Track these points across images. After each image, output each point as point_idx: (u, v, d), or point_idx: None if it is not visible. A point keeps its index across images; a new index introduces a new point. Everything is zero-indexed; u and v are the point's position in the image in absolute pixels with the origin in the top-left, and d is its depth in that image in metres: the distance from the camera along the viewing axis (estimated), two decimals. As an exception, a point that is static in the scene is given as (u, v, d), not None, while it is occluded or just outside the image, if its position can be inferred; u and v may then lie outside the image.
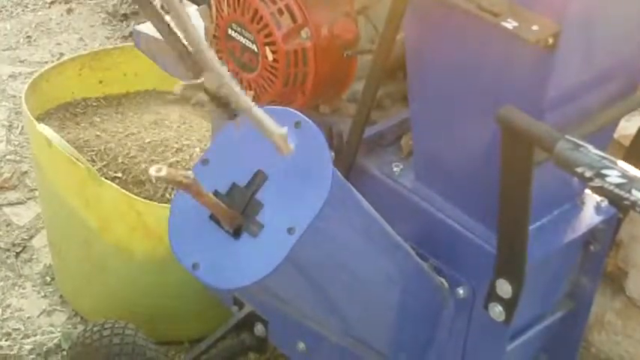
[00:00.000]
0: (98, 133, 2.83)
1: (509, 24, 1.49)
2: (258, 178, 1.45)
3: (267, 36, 1.83)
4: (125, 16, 4.49)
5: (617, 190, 1.32)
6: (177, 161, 2.73)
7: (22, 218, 3.25)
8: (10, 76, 4.04)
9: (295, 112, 1.47)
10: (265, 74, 1.87)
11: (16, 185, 3.39)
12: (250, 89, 1.91)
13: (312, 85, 1.87)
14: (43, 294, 2.95)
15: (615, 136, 1.92)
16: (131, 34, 4.22)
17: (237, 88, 1.27)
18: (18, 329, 2.83)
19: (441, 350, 1.92)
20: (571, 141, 1.37)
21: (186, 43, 2.05)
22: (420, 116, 1.81)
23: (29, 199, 3.34)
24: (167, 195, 2.64)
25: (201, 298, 2.48)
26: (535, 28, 1.48)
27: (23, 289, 2.97)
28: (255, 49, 1.86)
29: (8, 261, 3.07)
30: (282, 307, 1.73)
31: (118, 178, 2.67)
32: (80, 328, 2.78)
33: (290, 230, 1.40)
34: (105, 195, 2.49)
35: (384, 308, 1.81)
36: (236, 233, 1.45)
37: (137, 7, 3.69)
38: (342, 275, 1.63)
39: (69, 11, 4.54)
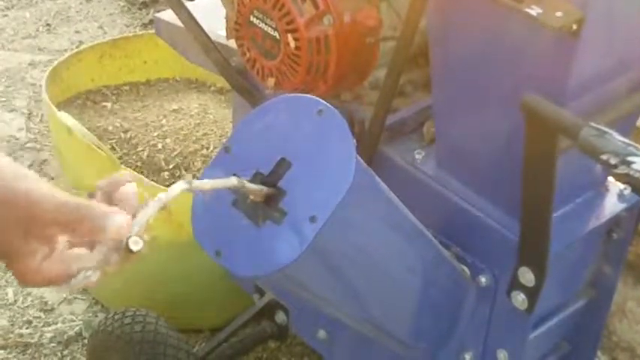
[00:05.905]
0: (118, 121, 2.84)
1: (533, 10, 1.49)
2: (281, 166, 1.44)
3: (289, 23, 1.83)
4: (144, 4, 4.50)
5: (642, 178, 1.31)
6: (197, 149, 2.73)
7: (43, 206, 3.25)
8: (29, 64, 4.05)
9: (318, 99, 1.46)
10: (287, 61, 1.86)
11: (36, 174, 3.40)
12: (272, 76, 1.91)
13: (334, 72, 1.86)
14: (63, 282, 2.96)
15: (637, 123, 1.91)
16: (151, 21, 4.23)
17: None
18: (39, 317, 2.84)
19: (462, 338, 1.92)
20: (596, 128, 1.37)
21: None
22: (443, 103, 1.80)
23: (49, 187, 3.34)
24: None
25: (222, 285, 2.48)
26: (559, 14, 1.48)
27: (44, 277, 2.98)
28: (277, 37, 1.86)
29: (29, 249, 3.07)
30: (304, 295, 1.73)
31: (139, 166, 2.68)
32: (101, 316, 2.78)
33: (312, 219, 1.40)
34: (126, 183, 2.49)
35: (406, 296, 1.81)
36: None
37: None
38: (364, 263, 1.63)
39: (88, -1, 4.55)
